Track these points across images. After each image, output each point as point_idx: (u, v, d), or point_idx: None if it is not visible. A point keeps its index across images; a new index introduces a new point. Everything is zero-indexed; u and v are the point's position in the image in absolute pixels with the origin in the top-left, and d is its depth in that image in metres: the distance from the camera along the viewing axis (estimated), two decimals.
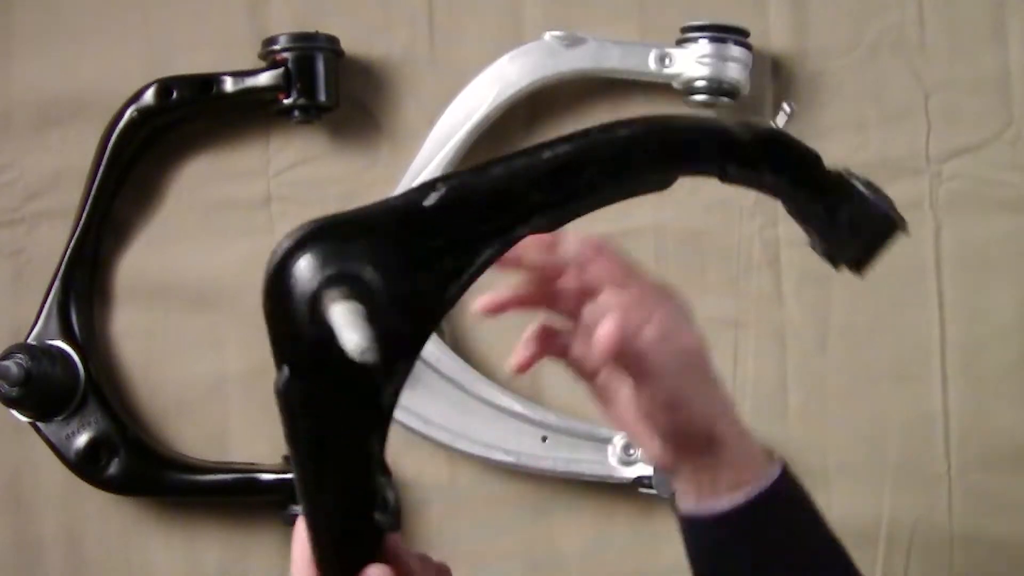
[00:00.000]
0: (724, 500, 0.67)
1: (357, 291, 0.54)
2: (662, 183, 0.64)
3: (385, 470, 0.59)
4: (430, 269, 0.58)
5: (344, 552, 0.60)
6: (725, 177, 0.66)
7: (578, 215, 0.62)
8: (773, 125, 0.70)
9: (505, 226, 0.60)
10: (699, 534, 0.69)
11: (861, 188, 0.69)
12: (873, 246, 0.70)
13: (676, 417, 0.66)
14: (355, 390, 0.56)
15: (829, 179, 0.69)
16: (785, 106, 0.72)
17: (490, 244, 0.59)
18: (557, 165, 0.61)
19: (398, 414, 0.59)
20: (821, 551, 0.69)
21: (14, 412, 1.01)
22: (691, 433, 0.67)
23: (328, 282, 0.54)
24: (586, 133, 0.62)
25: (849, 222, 0.68)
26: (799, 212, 0.69)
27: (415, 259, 0.57)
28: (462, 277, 0.58)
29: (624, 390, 0.68)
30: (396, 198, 0.58)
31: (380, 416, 0.58)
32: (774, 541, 0.68)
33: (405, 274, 0.56)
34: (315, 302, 0.54)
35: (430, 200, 0.57)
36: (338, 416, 0.57)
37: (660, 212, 1.06)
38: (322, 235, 0.55)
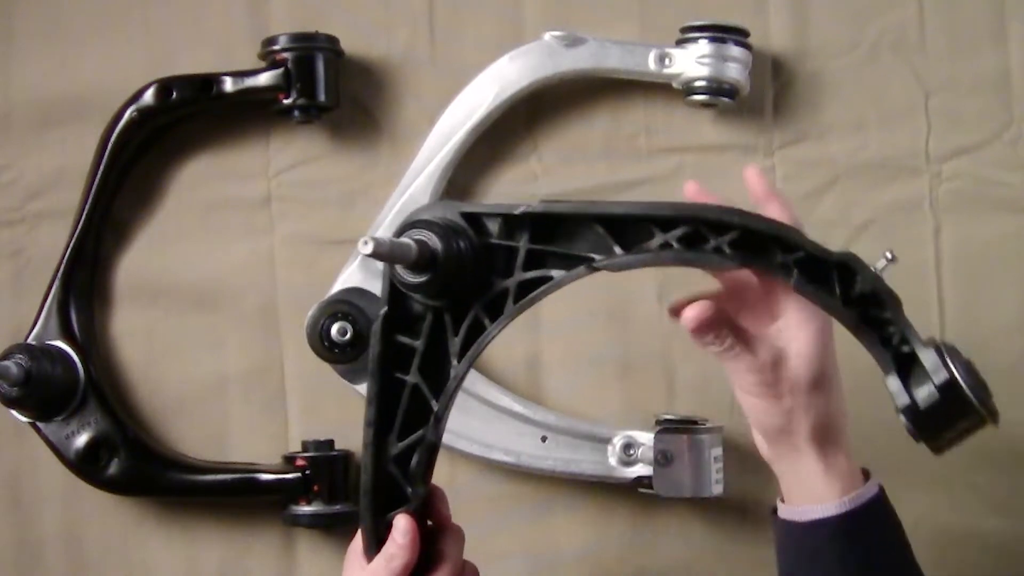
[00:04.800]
0: (825, 507, 0.70)
1: None
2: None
3: None
4: None
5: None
6: (794, 284, 0.68)
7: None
8: (874, 269, 0.69)
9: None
10: (795, 540, 0.72)
11: (954, 368, 0.65)
12: (952, 434, 0.67)
13: (814, 400, 0.71)
14: None
15: (913, 336, 0.68)
16: (887, 253, 0.71)
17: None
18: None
19: None
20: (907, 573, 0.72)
21: (14, 412, 1.01)
22: (820, 424, 0.72)
23: None
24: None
25: (930, 399, 0.66)
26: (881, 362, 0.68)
27: None
28: None
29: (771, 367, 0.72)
30: None
31: None
32: (866, 555, 0.70)
33: None
34: None
35: None
36: None
37: None
38: None
